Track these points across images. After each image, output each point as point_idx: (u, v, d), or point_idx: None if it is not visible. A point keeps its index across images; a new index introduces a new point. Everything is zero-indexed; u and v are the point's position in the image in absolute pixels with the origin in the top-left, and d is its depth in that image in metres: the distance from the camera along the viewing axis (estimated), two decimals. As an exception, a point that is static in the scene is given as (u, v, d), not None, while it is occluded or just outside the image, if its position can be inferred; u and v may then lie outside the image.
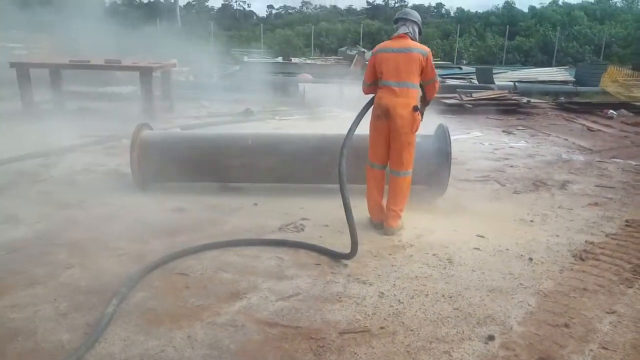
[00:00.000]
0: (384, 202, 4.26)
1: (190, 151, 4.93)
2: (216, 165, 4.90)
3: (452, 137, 4.91)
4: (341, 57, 17.55)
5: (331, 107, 11.24)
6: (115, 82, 13.57)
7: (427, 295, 3.13)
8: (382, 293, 3.14)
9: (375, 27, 35.88)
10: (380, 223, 4.22)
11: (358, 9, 55.60)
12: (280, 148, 4.90)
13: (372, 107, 4.18)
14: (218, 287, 3.16)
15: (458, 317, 2.89)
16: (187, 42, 17.37)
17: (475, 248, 3.84)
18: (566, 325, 2.81)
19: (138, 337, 2.63)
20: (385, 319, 2.85)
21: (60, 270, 3.34)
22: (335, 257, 3.63)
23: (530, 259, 3.68)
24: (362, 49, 18.03)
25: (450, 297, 3.11)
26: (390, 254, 3.72)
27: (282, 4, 77.67)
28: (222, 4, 72.00)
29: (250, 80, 13.30)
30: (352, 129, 4.02)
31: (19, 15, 17.36)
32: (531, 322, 2.85)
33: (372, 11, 52.42)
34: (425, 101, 4.42)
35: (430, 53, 4.06)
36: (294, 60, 16.81)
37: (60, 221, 4.23)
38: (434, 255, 3.71)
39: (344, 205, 3.62)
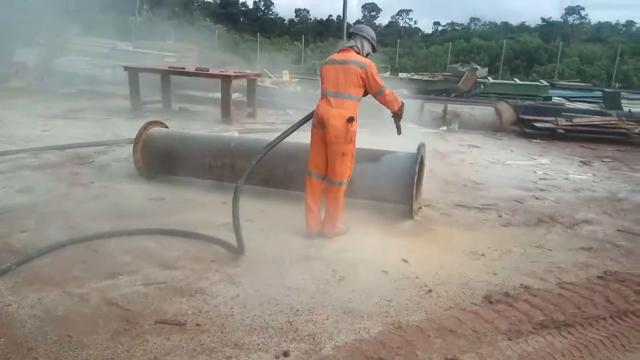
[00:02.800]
0: (323, 212, 4.25)
1: (183, 149, 5.41)
2: (202, 164, 5.31)
3: (513, 162, 4.68)
4: (450, 74, 16.83)
5: (409, 123, 11.02)
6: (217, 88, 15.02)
7: (277, 304, 3.10)
8: (238, 296, 3.20)
9: (533, 45, 32.89)
10: (314, 232, 4.21)
11: (532, 25, 52.36)
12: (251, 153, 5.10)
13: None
14: (107, 266, 3.52)
15: (281, 329, 2.83)
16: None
17: (384, 271, 3.62)
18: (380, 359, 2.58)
19: (6, 292, 3.12)
20: (211, 318, 2.92)
21: (15, 232, 4.04)
22: (224, 246, 3.85)
23: (429, 291, 3.36)
24: (475, 66, 17.06)
25: (297, 310, 3.04)
26: (290, 263, 3.71)
27: (450, 20, 77.09)
28: (389, 22, 74.47)
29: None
30: (281, 137, 4.10)
31: (176, 29, 20.12)
32: (346, 350, 2.66)
33: (547, 28, 48.70)
34: (395, 116, 4.34)
35: (372, 66, 4.01)
36: (401, 75, 16.65)
37: (59, 195, 5.03)
38: (332, 271, 3.60)
39: (233, 204, 3.78)
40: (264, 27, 55.35)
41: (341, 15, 47.32)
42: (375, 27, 47.48)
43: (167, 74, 11.39)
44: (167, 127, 5.96)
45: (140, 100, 11.05)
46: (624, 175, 7.19)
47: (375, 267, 3.68)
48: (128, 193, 5.23)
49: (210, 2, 67.73)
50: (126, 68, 10.84)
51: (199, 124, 9.95)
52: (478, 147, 8.91)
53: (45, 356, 2.51)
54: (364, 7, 75.56)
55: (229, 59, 23.90)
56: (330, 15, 67.57)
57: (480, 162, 7.62)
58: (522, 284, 3.51)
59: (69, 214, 4.52)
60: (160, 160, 5.52)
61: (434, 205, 5.26)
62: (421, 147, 4.73)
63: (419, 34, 62.93)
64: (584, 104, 15.09)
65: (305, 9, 78.79)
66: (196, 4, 67.05)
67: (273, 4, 76.59)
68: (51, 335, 2.69)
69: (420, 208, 5.07)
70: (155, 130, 5.69)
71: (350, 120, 3.97)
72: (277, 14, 73.60)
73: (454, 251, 4.07)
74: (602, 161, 8.13)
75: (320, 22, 65.98)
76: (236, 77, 10.15)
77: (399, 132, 4.47)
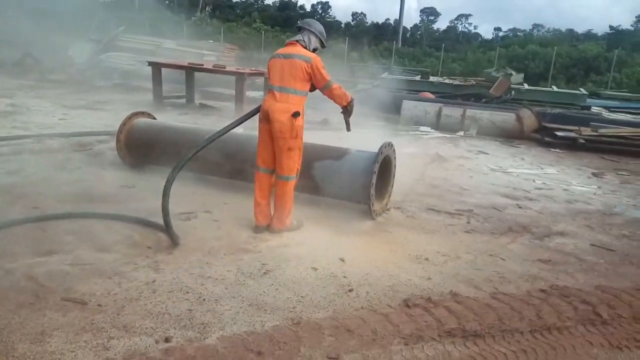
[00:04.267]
0: (271, 206, 4.25)
1: (160, 139, 5.55)
2: (176, 154, 5.40)
3: (516, 170, 4.58)
4: (483, 79, 16.25)
5: (427, 127, 10.80)
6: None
7: (186, 293, 3.11)
8: (154, 281, 3.24)
9: (592, 53, 31.15)
10: (260, 226, 4.21)
11: (599, 33, 49.82)
12: (227, 146, 5.15)
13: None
14: (47, 245, 3.65)
15: (177, 316, 2.84)
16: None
17: (313, 268, 3.57)
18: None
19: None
20: (115, 300, 2.97)
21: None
22: (152, 226, 3.95)
23: (350, 290, 3.28)
24: (510, 72, 16.39)
25: (203, 300, 3.05)
26: (224, 254, 3.72)
27: (513, 25, 74.98)
28: (447, 26, 73.41)
29: (367, 96, 13.55)
30: (223, 131, 4.10)
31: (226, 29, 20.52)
32: (230, 341, 2.64)
33: (616, 36, 46.10)
34: (345, 111, 4.29)
35: (317, 60, 3.97)
36: (432, 79, 16.26)
37: (41, 178, 5.28)
38: (262, 264, 3.58)
39: (162, 197, 3.80)
40: (320, 31, 55.74)
41: (398, 19, 47.71)
42: (432, 32, 46.95)
43: (191, 71, 11.71)
44: (154, 118, 6.13)
45: (162, 94, 11.40)
46: (633, 189, 6.71)
47: (307, 263, 3.64)
48: (105, 179, 5.42)
49: (269, 4, 69.28)
50: (150, 63, 11.24)
51: (212, 118, 10.17)
52: (487, 153, 8.58)
53: (-56, 321, 2.64)
54: (422, 11, 74.82)
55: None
56: (388, 19, 67.36)
57: (479, 168, 7.34)
58: (451, 291, 3.35)
59: (42, 195, 4.74)
60: (141, 149, 5.68)
61: (404, 208, 5.12)
62: (385, 147, 4.61)
63: (479, 39, 61.58)
64: (627, 115, 14.22)
65: (362, 13, 78.90)
66: (255, 6, 68.86)
67: (330, 7, 77.20)
68: (-38, 302, 2.83)
69: (387, 209, 4.95)
70: (140, 120, 5.86)
71: (296, 115, 3.93)
72: (334, 17, 74.13)
73: (399, 254, 3.95)
74: (617, 174, 7.62)
75: (377, 25, 65.87)
76: (251, 74, 10.29)
77: (348, 128, 4.39)
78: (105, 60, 19.18)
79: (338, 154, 4.75)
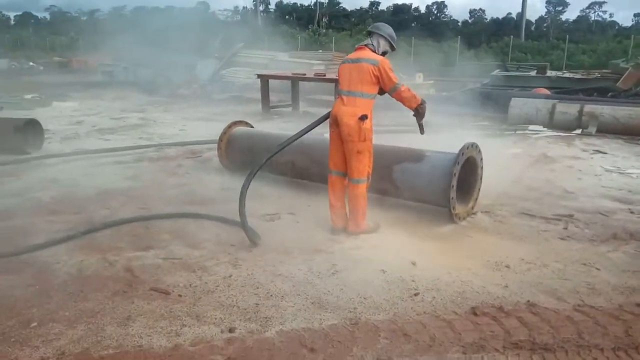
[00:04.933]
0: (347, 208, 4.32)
1: (256, 146, 5.91)
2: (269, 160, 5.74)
3: (636, 171, 4.40)
4: (609, 71, 14.50)
5: (538, 125, 10.05)
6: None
7: (257, 288, 3.31)
8: (230, 276, 3.49)
9: None
10: (338, 228, 4.30)
11: None
12: (314, 151, 5.31)
13: None
14: (147, 241, 4.12)
15: (245, 309, 3.04)
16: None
17: (382, 270, 3.56)
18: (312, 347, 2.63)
19: (63, 253, 3.90)
20: (194, 292, 3.27)
21: (101, 209, 4.93)
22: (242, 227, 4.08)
23: (416, 294, 3.23)
24: (644, 61, 14.47)
25: (271, 296, 3.22)
26: (298, 254, 3.87)
27: None
28: (578, 16, 67.82)
29: (472, 95, 13.00)
30: (295, 137, 4.25)
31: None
32: (288, 335, 2.76)
33: None
34: (417, 114, 4.24)
35: (384, 62, 3.98)
36: (550, 73, 14.98)
37: (153, 183, 5.93)
38: (332, 265, 3.67)
39: (239, 202, 4.01)
40: (435, 31, 54.87)
41: (520, 12, 45.01)
42: (560, 23, 43.48)
43: (295, 81, 12.24)
44: (251, 127, 6.55)
45: (269, 104, 12.05)
46: None
47: (376, 265, 3.64)
48: (207, 183, 5.92)
49: (383, 10, 69.66)
50: (258, 76, 11.97)
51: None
52: (605, 153, 7.73)
53: (55, 303, 3.12)
54: (549, 2, 69.51)
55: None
56: (509, 13, 63.88)
57: (592, 169, 6.65)
58: (528, 301, 3.13)
59: (150, 197, 5.34)
60: (239, 155, 6.10)
61: (494, 212, 4.85)
62: (468, 147, 4.43)
63: (615, 28, 55.70)
64: None
65: (480, 9, 75.60)
66: (370, 13, 69.76)
67: (446, 6, 75.27)
68: (71, 288, 3.32)
69: (473, 213, 4.74)
70: (238, 129, 6.31)
71: (363, 118, 3.96)
72: (450, 17, 72.12)
73: (476, 260, 3.77)
74: None
75: (496, 21, 62.79)
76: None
77: (421, 131, 4.29)
78: (226, 75, 20.83)
79: (418, 156, 4.67)
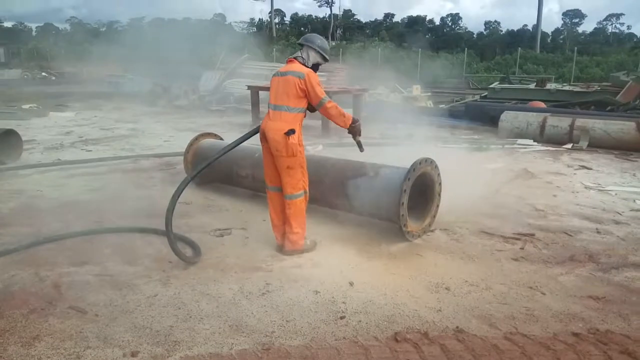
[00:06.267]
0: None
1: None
2: (231, 173, 5.65)
3: (616, 188, 4.33)
4: (609, 84, 14.19)
5: (528, 139, 9.84)
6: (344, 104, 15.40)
7: (178, 309, 3.18)
8: (155, 295, 3.37)
9: None
10: (279, 245, 4.16)
11: None
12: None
13: None
14: (85, 256, 4.00)
15: (157, 332, 2.91)
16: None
17: (316, 291, 3.42)
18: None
19: (-1, 267, 3.83)
20: (112, 312, 3.14)
21: (54, 222, 4.85)
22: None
23: (342, 318, 3.07)
24: (645, 74, 14.14)
25: (190, 317, 3.08)
26: (235, 272, 3.74)
27: None
28: (595, 28, 67.30)
29: (467, 107, 12.83)
30: (223, 151, 4.13)
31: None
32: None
33: None
34: (351, 132, 4.08)
35: (310, 75, 3.85)
36: (549, 86, 14.70)
37: (116, 195, 5.85)
38: (266, 284, 3.53)
39: (165, 221, 3.84)
40: (449, 43, 54.67)
41: (536, 24, 44.66)
42: (577, 35, 42.91)
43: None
44: (220, 139, 6.46)
45: (259, 114, 12.00)
46: None
47: (312, 286, 3.50)
48: (171, 196, 5.81)
49: (398, 22, 69.86)
50: (248, 87, 11.95)
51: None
52: (590, 169, 7.49)
53: (-32, 320, 3.03)
54: (565, 14, 69.14)
55: (384, 75, 24.28)
56: (525, 25, 63.42)
57: (571, 186, 6.42)
58: (457, 327, 2.95)
59: (107, 210, 5.25)
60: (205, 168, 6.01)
61: (452, 230, 4.67)
62: (421, 163, 4.27)
63: (634, 40, 54.97)
64: None
65: (495, 21, 75.39)
66: (384, 24, 69.91)
67: (461, 18, 75.22)
68: (-10, 304, 3.23)
69: (430, 230, 4.57)
70: (205, 141, 6.22)
71: (289, 132, 3.83)
72: (465, 28, 71.98)
73: (418, 281, 3.60)
74: None
75: (511, 33, 62.39)
76: (336, 92, 10.36)
77: (360, 149, 4.12)
78: (227, 86, 20.90)
79: (373, 171, 4.52)
